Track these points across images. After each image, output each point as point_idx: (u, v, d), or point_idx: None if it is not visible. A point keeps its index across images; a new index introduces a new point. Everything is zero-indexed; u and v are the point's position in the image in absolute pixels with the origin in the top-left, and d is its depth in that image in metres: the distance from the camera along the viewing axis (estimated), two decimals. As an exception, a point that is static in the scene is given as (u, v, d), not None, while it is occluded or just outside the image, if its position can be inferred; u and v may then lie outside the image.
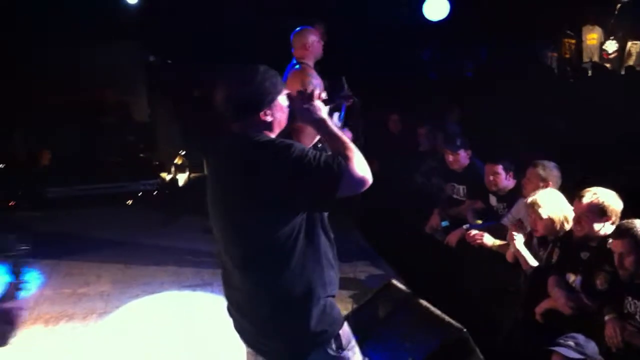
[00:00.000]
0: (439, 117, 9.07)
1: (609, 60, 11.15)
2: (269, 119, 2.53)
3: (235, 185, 2.50)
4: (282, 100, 2.57)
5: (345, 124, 4.53)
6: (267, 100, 2.51)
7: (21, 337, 5.12)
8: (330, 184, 2.37)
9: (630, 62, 10.93)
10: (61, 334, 5.15)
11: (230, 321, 2.78)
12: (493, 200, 5.87)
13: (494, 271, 5.11)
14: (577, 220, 4.00)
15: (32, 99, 10.98)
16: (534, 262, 4.44)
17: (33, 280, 6.39)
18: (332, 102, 2.78)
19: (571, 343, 3.42)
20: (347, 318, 2.77)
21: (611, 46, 11.12)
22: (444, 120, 8.83)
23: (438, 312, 3.92)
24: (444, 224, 6.27)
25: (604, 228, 3.88)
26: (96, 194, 10.24)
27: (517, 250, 4.52)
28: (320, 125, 2.62)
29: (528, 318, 4.22)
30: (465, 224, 5.77)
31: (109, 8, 10.92)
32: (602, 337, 3.53)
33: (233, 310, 2.74)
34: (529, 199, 4.49)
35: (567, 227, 4.27)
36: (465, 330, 3.65)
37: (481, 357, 3.66)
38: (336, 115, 4.51)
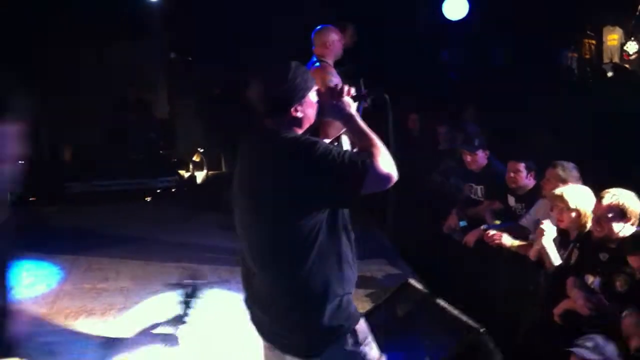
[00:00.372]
0: (457, 116, 9.05)
1: (629, 61, 11.07)
2: (299, 115, 2.56)
3: (263, 181, 2.53)
4: (312, 96, 2.61)
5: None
6: (298, 97, 2.54)
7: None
8: (355, 180, 2.39)
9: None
10: (80, 329, 5.20)
11: (247, 315, 2.80)
12: (511, 200, 5.85)
13: (512, 271, 5.10)
14: (596, 221, 3.98)
15: (54, 96, 11.07)
16: (557, 260, 4.42)
17: (53, 275, 6.47)
18: (360, 99, 2.81)
19: (590, 344, 3.41)
20: (365, 316, 2.78)
21: (632, 47, 11.03)
22: (461, 120, 8.81)
23: (456, 312, 3.93)
24: (462, 224, 6.25)
25: (624, 229, 3.87)
26: (116, 190, 10.33)
27: (543, 247, 4.50)
28: (349, 121, 2.65)
29: (547, 319, 4.20)
30: (483, 224, 5.76)
31: (131, 6, 11.00)
32: (621, 338, 3.51)
33: (251, 303, 2.76)
34: (557, 190, 4.48)
35: (590, 225, 4.26)
36: (483, 330, 3.65)
37: (499, 357, 3.66)
38: None
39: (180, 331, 4.97)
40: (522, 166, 5.64)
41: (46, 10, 10.18)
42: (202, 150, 11.55)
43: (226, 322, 5.07)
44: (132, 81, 11.88)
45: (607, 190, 3.97)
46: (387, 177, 2.43)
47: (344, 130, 2.88)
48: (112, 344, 4.86)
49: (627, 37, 11.05)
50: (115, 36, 11.07)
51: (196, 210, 9.02)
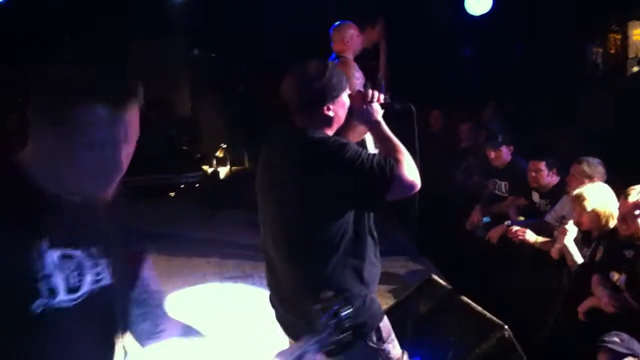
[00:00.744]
0: (479, 114, 9.01)
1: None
2: (330, 114, 2.57)
3: (289, 179, 2.54)
4: (345, 97, 2.62)
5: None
6: (332, 96, 2.56)
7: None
8: (381, 186, 2.41)
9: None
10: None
11: (272, 312, 2.82)
12: (536, 196, 5.82)
13: (536, 268, 5.07)
14: (622, 219, 3.94)
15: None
16: (579, 259, 4.39)
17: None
18: (388, 106, 2.81)
19: (617, 339, 3.39)
20: (387, 313, 2.79)
21: (657, 42, 10.90)
22: (483, 117, 8.77)
23: (479, 308, 3.91)
24: (485, 220, 6.23)
25: (650, 227, 3.83)
26: (139, 186, 10.39)
27: (565, 246, 4.47)
28: (375, 127, 2.67)
29: (571, 316, 4.18)
30: (506, 220, 5.73)
31: (155, 3, 11.07)
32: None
33: (276, 301, 2.78)
34: (576, 191, 4.45)
35: (612, 223, 4.22)
36: (507, 327, 3.63)
37: (522, 354, 3.64)
38: None
39: (202, 326, 5.00)
40: (542, 165, 5.61)
41: (71, 9, 10.26)
42: (225, 146, 11.59)
43: (249, 317, 5.10)
44: (155, 77, 11.94)
45: (632, 187, 3.93)
46: (411, 185, 2.45)
47: (364, 135, 2.89)
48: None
49: (653, 32, 10.91)
50: (140, 34, 11.14)
51: (219, 206, 9.06)
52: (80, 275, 1.51)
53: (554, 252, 4.71)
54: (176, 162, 11.04)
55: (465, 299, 4.07)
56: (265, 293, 2.88)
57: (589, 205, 4.29)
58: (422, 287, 4.47)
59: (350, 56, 5.66)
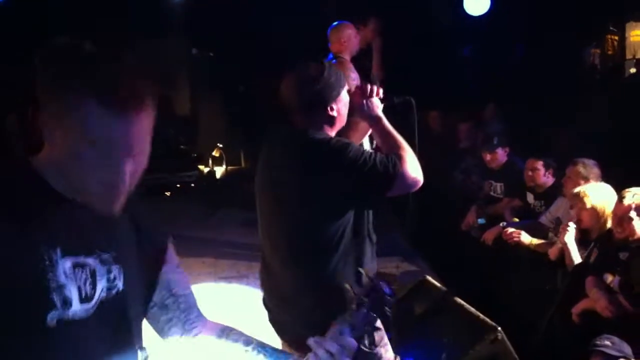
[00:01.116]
0: (478, 114, 9.01)
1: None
2: (334, 114, 2.56)
3: (290, 179, 2.53)
4: (345, 95, 2.61)
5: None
6: (334, 95, 2.55)
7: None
8: (384, 184, 2.41)
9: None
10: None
11: (265, 313, 2.80)
12: (531, 198, 5.82)
13: (531, 270, 5.07)
14: (618, 222, 3.94)
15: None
16: (578, 259, 4.39)
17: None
18: (387, 101, 2.81)
19: (608, 343, 3.39)
20: (381, 315, 2.78)
21: (655, 43, 10.90)
22: (482, 118, 8.77)
23: (473, 310, 3.90)
24: (481, 221, 6.23)
25: (645, 229, 3.83)
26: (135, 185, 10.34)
27: (565, 244, 4.46)
28: (377, 122, 2.66)
29: (565, 318, 4.17)
30: (502, 222, 5.73)
31: (154, 3, 11.05)
32: (638, 339, 3.48)
33: (271, 303, 2.76)
34: (577, 189, 4.46)
35: (610, 223, 4.22)
36: (500, 329, 3.62)
37: (516, 356, 3.63)
38: None
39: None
40: (540, 164, 5.61)
41: (71, 9, 10.24)
42: (221, 146, 11.57)
43: (243, 318, 5.08)
44: (153, 76, 11.90)
45: (627, 189, 3.93)
46: (414, 181, 2.45)
47: (368, 133, 2.88)
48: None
49: (650, 33, 10.91)
50: (138, 32, 11.11)
51: (215, 206, 9.05)
52: (93, 282, 1.46)
53: (553, 252, 4.71)
54: (173, 161, 11.02)
55: (459, 300, 4.05)
56: (260, 294, 2.87)
57: (589, 202, 4.29)
58: (416, 288, 4.45)
59: (347, 57, 5.65)
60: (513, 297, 5.05)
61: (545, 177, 5.62)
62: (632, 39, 10.83)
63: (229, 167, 11.53)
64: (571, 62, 10.50)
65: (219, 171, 11.50)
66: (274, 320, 2.77)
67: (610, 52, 11.25)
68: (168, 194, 10.46)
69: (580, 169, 4.95)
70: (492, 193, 6.52)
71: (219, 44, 11.99)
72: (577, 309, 4.06)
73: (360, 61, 5.92)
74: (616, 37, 11.06)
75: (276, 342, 2.81)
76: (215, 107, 12.30)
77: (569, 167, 5.05)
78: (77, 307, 1.42)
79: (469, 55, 13.13)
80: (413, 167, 2.45)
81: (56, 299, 1.38)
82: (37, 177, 1.43)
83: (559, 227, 4.71)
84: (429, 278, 4.45)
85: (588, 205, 4.29)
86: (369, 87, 2.69)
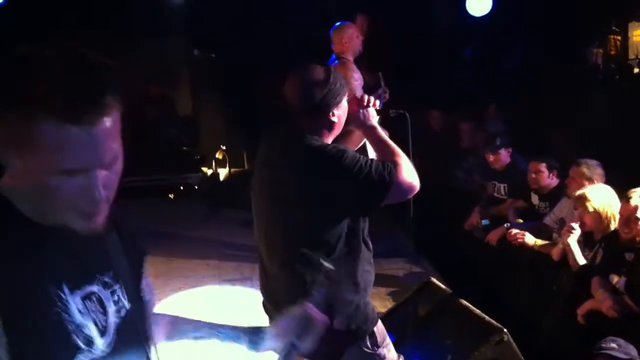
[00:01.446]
0: (479, 113, 9.00)
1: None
2: (334, 119, 2.57)
3: (287, 181, 2.53)
4: (345, 102, 2.62)
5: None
6: (337, 101, 2.55)
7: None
8: (380, 190, 2.42)
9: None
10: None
11: (265, 317, 2.80)
12: (535, 199, 5.80)
13: (535, 271, 5.06)
14: (624, 222, 3.93)
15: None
16: (582, 260, 4.38)
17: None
18: (383, 113, 2.83)
19: (614, 345, 3.38)
20: (386, 315, 2.78)
21: (657, 43, 10.87)
22: (483, 117, 8.76)
23: (478, 311, 3.90)
24: (484, 222, 6.21)
25: (650, 230, 3.82)
26: (139, 187, 10.35)
27: (568, 245, 4.45)
28: (372, 131, 2.68)
29: (570, 319, 4.16)
30: (506, 222, 5.71)
31: (154, 3, 11.04)
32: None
33: (269, 306, 2.76)
34: (579, 192, 4.45)
35: (614, 225, 4.21)
36: (505, 330, 3.62)
37: (521, 357, 3.63)
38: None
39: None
40: (543, 166, 5.59)
41: (70, 9, 10.24)
42: (224, 148, 11.56)
43: (247, 321, 5.07)
44: (155, 78, 11.91)
45: (633, 190, 3.92)
46: (410, 187, 2.47)
47: (362, 143, 2.89)
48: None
49: (653, 33, 10.89)
50: (139, 33, 11.11)
51: (219, 208, 9.04)
52: (104, 310, 1.35)
53: (556, 253, 4.70)
54: (176, 162, 11.00)
55: (464, 302, 4.06)
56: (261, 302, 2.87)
57: (591, 205, 4.29)
58: (420, 290, 4.46)
59: (350, 57, 5.66)
60: (517, 298, 5.05)
61: (549, 179, 5.60)
62: (634, 38, 10.82)
63: (233, 169, 11.51)
64: (574, 62, 10.49)
65: (223, 173, 11.48)
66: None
67: (612, 52, 11.24)
68: (171, 196, 10.45)
69: (584, 169, 4.93)
70: (495, 194, 6.50)
71: (221, 45, 11.97)
72: (582, 309, 4.05)
73: (360, 61, 5.91)
74: (619, 37, 11.05)
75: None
76: (217, 108, 12.28)
77: (573, 168, 5.03)
78: (99, 343, 1.32)
79: (471, 55, 13.12)
80: (409, 174, 2.46)
81: (79, 341, 1.28)
82: (6, 205, 1.27)
83: (563, 228, 4.70)
84: (434, 280, 4.46)
85: (590, 209, 4.28)
86: (366, 97, 2.70)
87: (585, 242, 4.50)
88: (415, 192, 2.50)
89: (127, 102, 1.35)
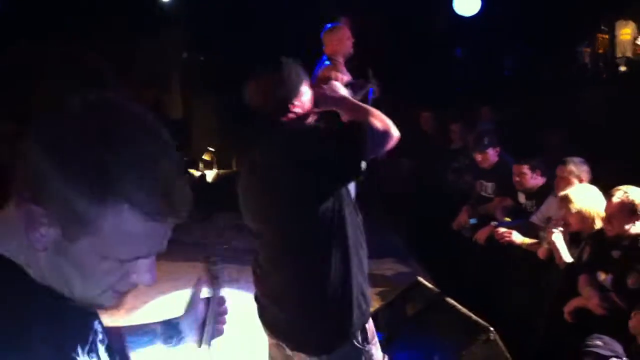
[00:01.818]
0: (470, 114, 9.01)
1: (642, 55, 10.92)
2: (298, 109, 2.57)
3: (271, 179, 2.53)
4: (305, 88, 2.62)
5: None
6: (295, 93, 2.57)
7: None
8: (357, 143, 2.41)
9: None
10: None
11: (257, 312, 2.78)
12: (522, 197, 5.81)
13: (524, 269, 5.06)
14: (607, 219, 3.95)
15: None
16: (568, 258, 4.38)
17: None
18: (352, 85, 2.88)
19: (600, 343, 3.38)
20: (375, 315, 2.78)
21: (644, 41, 10.89)
22: (475, 118, 8.77)
23: (465, 310, 3.90)
24: (472, 221, 6.21)
25: (635, 227, 3.83)
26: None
27: (553, 243, 4.46)
28: (342, 102, 2.68)
29: (558, 317, 4.17)
30: (493, 221, 5.72)
31: (144, 7, 11.03)
32: (631, 337, 3.47)
33: (265, 300, 2.74)
34: (562, 193, 4.46)
35: (599, 224, 4.22)
36: (492, 329, 3.62)
37: (509, 356, 3.63)
38: None
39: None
40: (525, 168, 5.59)
41: (59, 12, 10.20)
42: (212, 150, 11.54)
43: (234, 321, 5.06)
44: (145, 80, 11.89)
45: (617, 187, 3.94)
46: (386, 133, 2.47)
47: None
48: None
49: (639, 31, 10.92)
50: (129, 36, 11.08)
51: (206, 209, 9.01)
52: (98, 355, 1.25)
53: (542, 252, 4.71)
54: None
55: (451, 301, 4.06)
56: (251, 297, 2.85)
57: (574, 207, 4.29)
58: (409, 289, 4.47)
59: (341, 58, 5.66)
60: (506, 297, 5.05)
61: (533, 180, 5.60)
62: (621, 37, 10.85)
63: (221, 171, 11.49)
64: (563, 61, 10.53)
65: (210, 175, 11.46)
66: (265, 318, 2.75)
67: (600, 51, 11.27)
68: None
69: (572, 167, 4.95)
70: (483, 193, 6.51)
71: (210, 48, 11.97)
72: (569, 307, 4.06)
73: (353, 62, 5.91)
74: (606, 36, 11.09)
75: (264, 341, 2.80)
76: (206, 111, 12.27)
77: (560, 167, 5.04)
78: None
79: (461, 55, 13.16)
80: (381, 121, 2.47)
81: None
82: (9, 264, 1.11)
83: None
84: (422, 279, 4.47)
85: (573, 210, 4.29)
86: (326, 74, 2.75)
87: (572, 239, 4.50)
88: (394, 138, 2.49)
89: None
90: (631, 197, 3.82)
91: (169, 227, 1.16)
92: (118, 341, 1.51)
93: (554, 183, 5.19)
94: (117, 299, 1.19)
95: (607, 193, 4.01)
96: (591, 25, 10.99)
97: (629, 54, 10.57)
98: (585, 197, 4.31)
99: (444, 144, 8.40)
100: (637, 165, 5.72)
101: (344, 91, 2.72)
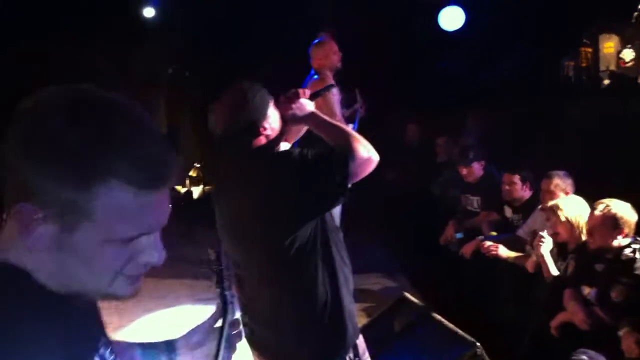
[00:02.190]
0: (455, 128, 9.04)
1: (625, 69, 11.00)
2: (268, 132, 2.55)
3: (247, 202, 2.51)
4: (272, 110, 2.59)
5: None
6: (263, 114, 2.54)
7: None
8: (338, 168, 2.38)
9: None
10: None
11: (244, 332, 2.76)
12: (508, 211, 5.83)
13: (511, 283, 5.07)
14: (590, 232, 3.97)
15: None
16: (555, 271, 4.39)
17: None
18: (318, 96, 2.85)
19: (585, 358, 3.39)
20: (361, 331, 2.77)
21: (628, 54, 10.97)
22: (460, 132, 8.80)
23: (451, 326, 3.90)
24: (459, 235, 6.22)
25: (618, 240, 3.84)
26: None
27: (541, 255, 4.46)
28: (312, 119, 2.65)
29: (546, 331, 4.17)
30: (479, 235, 5.73)
31: (130, 22, 11.01)
32: (616, 351, 3.48)
33: (250, 321, 2.72)
34: (550, 203, 4.48)
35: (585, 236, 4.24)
36: (478, 344, 3.62)
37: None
38: (350, 126, 4.51)
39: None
40: (517, 178, 5.62)
41: (42, 24, 10.16)
42: (198, 166, 11.52)
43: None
44: (129, 95, 11.84)
45: (600, 200, 3.95)
46: (367, 158, 2.42)
47: (303, 132, 2.88)
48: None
49: (623, 45, 11.00)
50: (114, 50, 11.06)
51: (193, 226, 8.97)
52: None
53: (530, 265, 4.71)
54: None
55: (438, 316, 4.06)
56: (237, 314, 2.83)
57: (563, 215, 4.31)
58: (395, 305, 4.46)
59: (328, 72, 5.67)
60: (493, 311, 5.05)
61: (522, 191, 5.63)
62: (605, 50, 10.94)
63: (207, 187, 11.46)
64: (546, 75, 10.59)
65: (196, 191, 11.42)
66: (252, 338, 2.72)
67: (584, 65, 11.34)
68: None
69: (558, 181, 4.98)
70: (468, 207, 6.52)
71: (195, 63, 11.97)
72: (555, 322, 4.06)
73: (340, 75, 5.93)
74: (590, 50, 11.16)
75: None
76: (192, 126, 12.25)
77: (545, 180, 5.07)
78: None
79: (445, 68, 13.21)
80: (361, 146, 2.42)
81: None
82: (27, 279, 1.10)
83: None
84: (408, 295, 4.46)
85: (562, 218, 4.31)
86: (293, 92, 2.68)
87: (559, 253, 4.51)
88: (375, 163, 2.45)
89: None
90: (613, 211, 3.83)
91: (164, 198, 1.15)
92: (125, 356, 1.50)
93: (539, 196, 5.21)
94: (132, 286, 1.18)
95: (590, 206, 4.03)
96: (575, 38, 11.07)
97: (612, 67, 10.64)
98: (574, 207, 4.34)
99: (429, 158, 8.41)
100: (620, 179, 5.75)
101: (311, 107, 2.67)
